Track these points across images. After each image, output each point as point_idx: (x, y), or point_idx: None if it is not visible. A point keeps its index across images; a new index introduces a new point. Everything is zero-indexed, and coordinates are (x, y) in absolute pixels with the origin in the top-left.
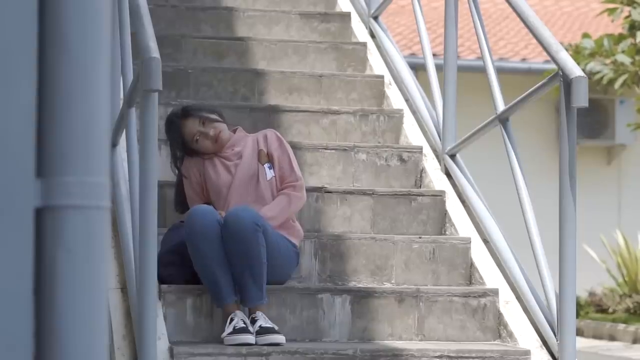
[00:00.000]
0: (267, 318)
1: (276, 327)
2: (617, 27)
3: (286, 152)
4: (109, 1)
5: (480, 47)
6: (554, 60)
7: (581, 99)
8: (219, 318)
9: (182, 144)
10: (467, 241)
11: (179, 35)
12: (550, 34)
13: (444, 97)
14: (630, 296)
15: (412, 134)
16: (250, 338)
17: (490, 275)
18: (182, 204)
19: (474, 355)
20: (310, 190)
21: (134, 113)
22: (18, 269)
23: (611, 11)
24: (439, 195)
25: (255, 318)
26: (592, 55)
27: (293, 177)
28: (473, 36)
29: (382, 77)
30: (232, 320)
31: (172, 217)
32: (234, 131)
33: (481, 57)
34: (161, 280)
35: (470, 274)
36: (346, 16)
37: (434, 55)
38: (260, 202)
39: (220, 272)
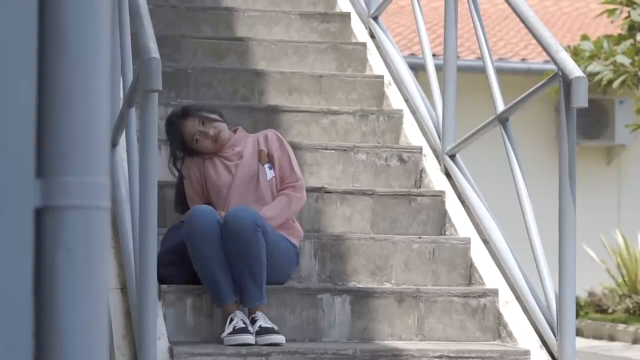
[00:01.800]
0: (266, 318)
1: (276, 327)
2: (617, 27)
3: (286, 153)
4: (109, 1)
5: (480, 48)
6: (554, 60)
7: (581, 99)
8: (218, 318)
9: (182, 144)
10: (467, 241)
11: (179, 35)
12: (549, 35)
13: (444, 97)
14: (629, 296)
15: (411, 134)
16: (250, 338)
17: (490, 276)
18: (182, 204)
19: (473, 355)
20: (310, 190)
21: (133, 113)
22: (18, 269)
23: (611, 12)
24: (439, 196)
25: (255, 318)
26: (592, 57)
27: (293, 178)
28: (473, 36)
29: (381, 77)
30: (231, 320)
31: (172, 217)
32: (235, 131)
33: (481, 58)
34: (161, 280)
35: (470, 274)
36: (346, 16)
37: (434, 55)
38: (260, 203)
39: (220, 272)
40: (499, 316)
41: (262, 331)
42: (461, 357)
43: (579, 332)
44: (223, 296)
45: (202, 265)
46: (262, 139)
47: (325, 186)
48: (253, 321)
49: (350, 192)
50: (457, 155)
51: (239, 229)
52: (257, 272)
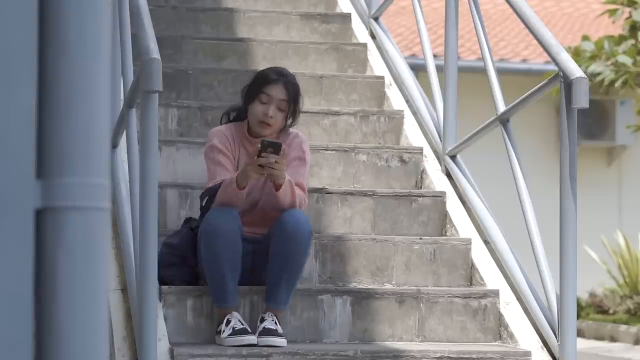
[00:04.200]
0: (275, 321)
1: (280, 330)
2: (618, 28)
3: (302, 168)
4: (109, 2)
5: (480, 48)
6: (555, 61)
7: (582, 100)
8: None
9: (257, 88)
10: (468, 242)
11: (179, 36)
12: (550, 35)
13: (445, 97)
14: (631, 297)
15: (412, 135)
16: (252, 339)
17: (490, 276)
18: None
19: (474, 356)
20: (311, 191)
21: (134, 114)
22: (18, 270)
23: (612, 12)
24: (440, 196)
25: (264, 318)
26: (593, 57)
27: (304, 195)
28: (473, 37)
29: (382, 78)
30: (229, 321)
31: (172, 218)
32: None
33: (482, 58)
34: (162, 281)
35: (470, 275)
36: (347, 17)
37: (435, 56)
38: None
39: (230, 275)
40: (499, 317)
41: (265, 332)
42: (462, 358)
43: (580, 333)
44: (228, 298)
45: (214, 266)
46: (290, 145)
47: (326, 187)
48: (262, 320)
49: (351, 193)
50: (458, 156)
51: (297, 233)
52: (294, 277)
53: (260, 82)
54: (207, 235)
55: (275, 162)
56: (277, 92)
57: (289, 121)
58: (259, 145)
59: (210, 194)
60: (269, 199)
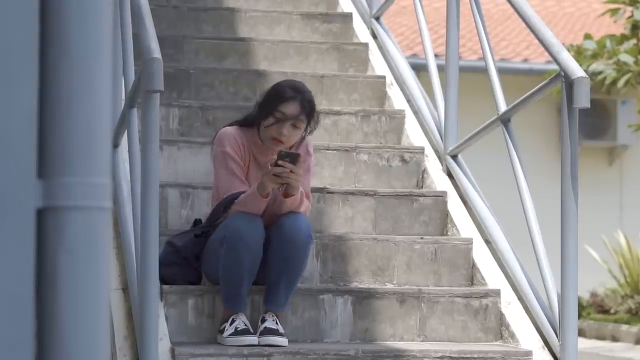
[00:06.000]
0: (276, 321)
1: (281, 330)
2: (619, 27)
3: (307, 177)
4: (110, 1)
5: (482, 48)
6: (556, 60)
7: (583, 99)
8: (220, 319)
9: (271, 105)
10: (469, 242)
11: (181, 35)
12: (552, 35)
13: (446, 97)
14: (632, 297)
15: (413, 134)
16: (253, 339)
17: (492, 276)
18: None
19: (475, 356)
20: (312, 191)
21: (135, 114)
22: (19, 269)
23: (613, 12)
24: (441, 196)
25: (265, 318)
26: (594, 56)
27: (308, 202)
28: (475, 37)
29: (383, 77)
30: (233, 321)
31: (173, 217)
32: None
33: (483, 58)
34: (164, 280)
35: (472, 274)
36: (348, 17)
37: (436, 55)
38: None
39: (248, 282)
40: (501, 317)
41: (266, 332)
42: (463, 357)
43: (582, 333)
44: (240, 302)
45: (233, 270)
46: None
47: (327, 187)
48: (263, 320)
49: (352, 193)
50: (459, 156)
51: (296, 238)
52: (293, 280)
53: (275, 99)
54: (230, 240)
55: (291, 171)
56: (293, 110)
57: (305, 133)
58: (276, 155)
59: (225, 203)
60: (276, 204)
